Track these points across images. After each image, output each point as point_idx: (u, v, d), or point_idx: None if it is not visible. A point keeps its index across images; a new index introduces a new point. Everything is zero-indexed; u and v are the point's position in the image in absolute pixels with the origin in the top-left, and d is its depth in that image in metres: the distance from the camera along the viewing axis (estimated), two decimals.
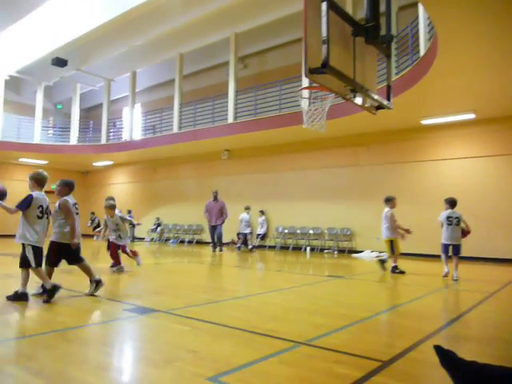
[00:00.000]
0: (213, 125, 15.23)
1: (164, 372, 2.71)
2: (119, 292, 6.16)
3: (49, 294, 4.84)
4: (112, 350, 3.34)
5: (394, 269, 8.36)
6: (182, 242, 18.30)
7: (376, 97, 4.22)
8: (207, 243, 17.12)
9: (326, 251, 14.09)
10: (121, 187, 21.98)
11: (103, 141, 19.19)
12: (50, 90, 21.51)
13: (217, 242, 13.44)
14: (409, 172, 12.84)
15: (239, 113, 14.75)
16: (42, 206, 4.98)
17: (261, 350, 3.18)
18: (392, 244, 8.40)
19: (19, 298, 4.82)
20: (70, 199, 5.34)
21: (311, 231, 14.63)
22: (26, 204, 4.87)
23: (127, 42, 15.51)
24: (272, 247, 15.39)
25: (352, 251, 13.59)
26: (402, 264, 8.58)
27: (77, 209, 5.38)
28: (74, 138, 19.65)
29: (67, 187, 5.43)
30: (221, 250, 13.40)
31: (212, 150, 16.70)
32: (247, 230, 14.49)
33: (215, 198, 13.60)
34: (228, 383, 2.52)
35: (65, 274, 6.70)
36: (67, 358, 3.00)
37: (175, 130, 16.33)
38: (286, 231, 15.27)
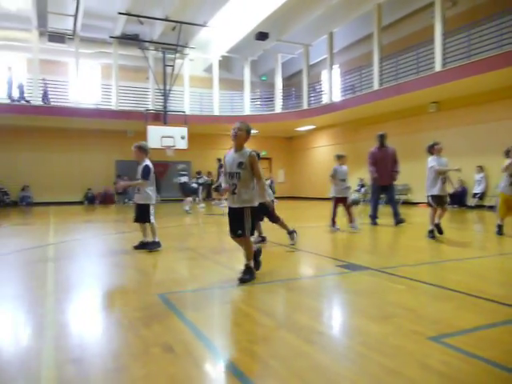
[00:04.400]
0: (417, 76, 14.09)
1: (383, 326, 2.73)
2: (331, 250, 6.42)
3: None
4: (329, 300, 3.54)
5: None
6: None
7: None
8: (415, 203, 16.32)
9: None
10: (323, 150, 22.57)
11: (305, 106, 19.89)
12: (254, 63, 23.21)
13: (397, 213, 9.20)
14: None
15: (448, 58, 13.23)
16: None
17: (488, 316, 2.90)
18: None
19: None
20: None
21: None
22: None
23: (323, 2, 15.45)
24: (492, 207, 13.66)
25: None
26: None
27: None
28: (278, 106, 20.95)
29: None
30: (400, 222, 8.87)
31: (417, 103, 15.51)
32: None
33: (382, 145, 9.53)
34: (453, 345, 2.38)
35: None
36: (290, 304, 3.30)
37: (376, 86, 15.73)
38: None
